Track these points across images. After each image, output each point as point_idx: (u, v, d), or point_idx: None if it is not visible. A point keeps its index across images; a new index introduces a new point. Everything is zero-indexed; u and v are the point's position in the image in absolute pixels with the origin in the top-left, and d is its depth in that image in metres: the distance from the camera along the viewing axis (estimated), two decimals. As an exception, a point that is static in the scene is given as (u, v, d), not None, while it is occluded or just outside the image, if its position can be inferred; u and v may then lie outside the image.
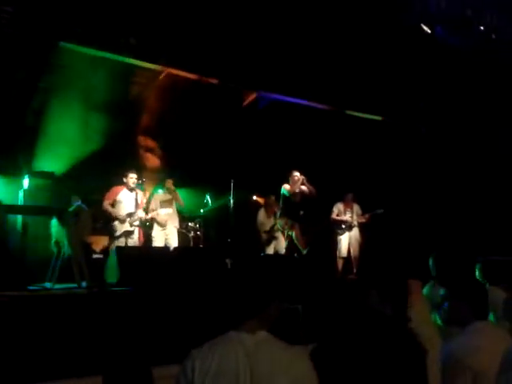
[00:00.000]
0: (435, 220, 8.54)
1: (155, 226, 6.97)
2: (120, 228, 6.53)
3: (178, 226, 7.20)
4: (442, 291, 3.16)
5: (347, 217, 7.95)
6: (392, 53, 7.99)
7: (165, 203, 7.06)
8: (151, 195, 7.14)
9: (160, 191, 7.18)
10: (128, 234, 6.55)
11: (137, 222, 6.61)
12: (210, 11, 6.74)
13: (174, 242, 6.96)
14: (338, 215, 8.00)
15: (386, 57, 8.06)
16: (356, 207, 8.06)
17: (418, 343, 0.92)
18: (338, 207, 8.05)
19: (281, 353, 1.72)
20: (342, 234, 7.92)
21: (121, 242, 6.49)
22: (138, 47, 7.08)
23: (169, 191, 7.13)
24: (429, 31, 7.75)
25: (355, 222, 7.91)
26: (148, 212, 6.85)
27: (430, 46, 7.83)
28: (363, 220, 7.97)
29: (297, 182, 7.40)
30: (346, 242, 7.87)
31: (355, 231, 7.92)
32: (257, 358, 1.67)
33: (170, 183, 7.15)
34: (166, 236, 6.95)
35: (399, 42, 7.82)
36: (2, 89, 6.85)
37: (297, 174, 7.47)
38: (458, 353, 2.25)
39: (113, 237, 6.54)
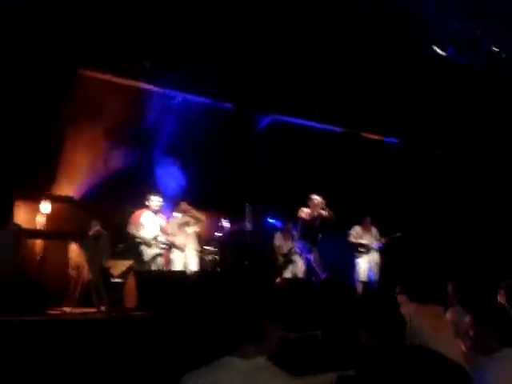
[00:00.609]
0: (453, 243, 8.45)
1: (175, 249, 6.97)
2: (148, 252, 6.52)
3: (197, 249, 7.20)
4: (466, 318, 3.13)
5: (366, 240, 7.91)
6: (405, 74, 8.02)
7: (182, 226, 7.07)
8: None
9: (175, 215, 7.21)
10: (155, 257, 6.54)
11: (163, 246, 6.61)
12: (220, 35, 6.84)
13: (193, 265, 6.96)
14: (355, 238, 7.96)
15: (400, 79, 8.09)
16: (374, 230, 8.02)
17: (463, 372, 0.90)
18: (356, 230, 8.01)
19: (278, 382, 1.67)
20: (360, 257, 7.86)
21: (147, 267, 6.48)
22: (153, 72, 7.20)
23: (184, 213, 7.14)
24: (442, 53, 7.78)
25: (375, 245, 7.86)
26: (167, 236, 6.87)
27: (443, 66, 7.86)
28: (383, 242, 7.91)
29: (316, 206, 7.37)
30: (365, 265, 7.80)
31: (374, 254, 7.86)
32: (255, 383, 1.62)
33: (184, 205, 7.15)
34: (186, 259, 6.94)
35: (411, 64, 7.86)
36: (22, 116, 6.99)
37: (316, 197, 7.42)
38: (491, 381, 2.20)
39: (140, 261, 6.49)
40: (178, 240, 6.89)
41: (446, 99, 8.54)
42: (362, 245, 7.86)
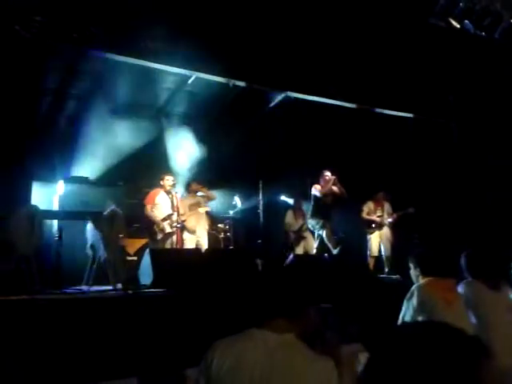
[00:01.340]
0: (467, 218, 8.37)
1: (185, 231, 7.04)
2: (162, 231, 6.60)
3: (207, 228, 7.26)
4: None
5: (377, 216, 7.89)
6: (420, 48, 7.87)
7: (193, 206, 7.11)
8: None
9: (185, 195, 7.24)
10: (168, 236, 6.62)
11: (175, 224, 6.66)
12: (232, 14, 6.77)
13: (204, 244, 7.03)
14: (368, 214, 7.94)
15: (414, 53, 7.95)
16: (387, 206, 7.99)
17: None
18: (369, 206, 7.99)
19: (303, 359, 1.67)
20: (372, 233, 7.86)
21: (161, 245, 6.56)
22: (165, 53, 7.17)
23: (195, 193, 7.17)
24: (458, 26, 7.61)
25: (386, 221, 7.84)
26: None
27: (459, 40, 7.69)
28: (394, 218, 7.89)
29: (328, 182, 7.38)
30: (377, 240, 7.80)
31: (386, 230, 7.84)
32: (276, 359, 1.63)
33: (195, 185, 7.20)
34: (198, 238, 7.01)
35: (427, 38, 7.70)
36: (36, 96, 7.03)
37: (328, 173, 7.45)
38: None
39: (154, 240, 6.60)
40: (189, 223, 6.94)
41: (462, 72, 8.38)
42: (373, 221, 7.85)
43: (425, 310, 2.96)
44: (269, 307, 1.77)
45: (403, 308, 3.13)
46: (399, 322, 3.08)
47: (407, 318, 3.02)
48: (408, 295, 3.12)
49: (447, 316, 2.69)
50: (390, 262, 7.65)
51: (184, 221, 6.90)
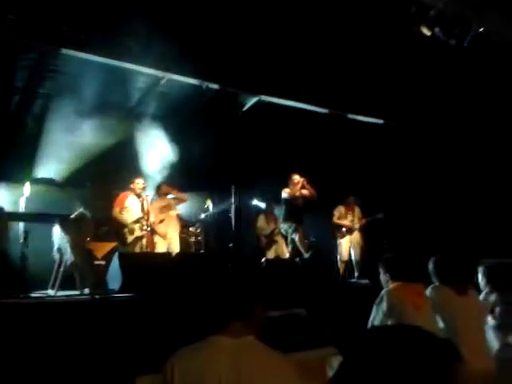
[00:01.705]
0: (436, 223, 8.52)
1: (156, 234, 6.96)
2: (130, 235, 6.51)
3: (179, 232, 7.18)
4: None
5: (348, 220, 7.95)
6: (391, 55, 7.98)
7: (164, 209, 7.02)
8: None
9: (155, 198, 7.15)
10: (138, 240, 6.53)
11: (145, 227, 6.58)
12: (207, 15, 6.74)
13: (176, 248, 6.95)
14: (339, 218, 7.99)
15: (386, 59, 8.05)
16: (357, 210, 8.06)
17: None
18: (340, 210, 8.05)
19: (266, 359, 1.67)
20: (342, 238, 7.91)
21: (130, 249, 6.48)
22: (137, 52, 7.09)
23: (165, 195, 7.09)
24: (428, 33, 7.75)
25: (356, 226, 7.90)
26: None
27: (429, 47, 7.82)
28: (363, 223, 7.96)
29: (296, 185, 7.41)
30: (347, 245, 7.85)
31: (356, 235, 7.91)
32: (240, 364, 1.62)
33: (165, 187, 7.11)
34: (169, 241, 6.93)
35: (398, 44, 7.81)
36: (2, 95, 6.86)
37: (296, 176, 7.48)
38: None
39: (123, 243, 6.51)
40: (160, 227, 6.88)
41: (432, 79, 8.53)
42: (344, 225, 7.90)
43: (394, 315, 2.99)
44: (223, 311, 1.75)
45: (373, 312, 3.15)
46: (369, 326, 3.09)
47: (376, 322, 3.04)
48: (377, 300, 3.14)
49: (416, 320, 2.72)
50: (360, 267, 7.71)
51: (153, 223, 6.81)
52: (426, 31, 7.70)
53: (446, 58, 7.86)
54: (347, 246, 7.84)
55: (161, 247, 6.87)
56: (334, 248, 7.97)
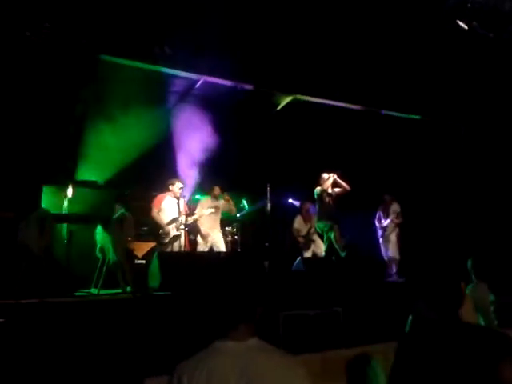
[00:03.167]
0: (474, 221, 8.34)
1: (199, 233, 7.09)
2: (167, 234, 6.62)
3: (220, 231, 7.30)
4: (492, 296, 3.17)
5: (386, 220, 7.88)
6: (429, 50, 7.85)
7: (212, 209, 7.12)
8: (196, 201, 7.26)
9: (206, 198, 7.26)
10: (175, 239, 6.64)
11: (182, 227, 6.68)
12: (240, 17, 6.80)
13: (221, 247, 7.07)
14: (379, 222, 7.97)
15: (423, 55, 7.92)
16: (394, 207, 7.95)
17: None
18: (379, 213, 8.03)
19: (275, 361, 1.65)
20: (381, 236, 7.86)
21: (168, 248, 6.59)
22: (173, 56, 7.22)
23: (216, 198, 7.20)
24: (465, 27, 7.58)
25: (392, 224, 7.81)
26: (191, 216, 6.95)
27: (468, 41, 7.65)
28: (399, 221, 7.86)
29: (326, 182, 7.39)
30: (383, 243, 7.79)
31: (392, 233, 7.81)
32: (250, 367, 1.59)
33: (217, 190, 7.22)
34: (213, 241, 7.06)
35: (435, 39, 7.67)
36: (46, 101, 7.10)
37: (325, 174, 7.47)
38: None
39: (160, 243, 6.63)
40: (203, 225, 7.01)
41: (472, 75, 8.34)
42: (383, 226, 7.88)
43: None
44: (229, 315, 1.70)
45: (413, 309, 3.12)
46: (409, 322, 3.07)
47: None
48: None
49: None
50: (398, 265, 7.65)
51: (197, 221, 6.94)
52: (463, 25, 7.55)
53: (483, 52, 7.67)
54: (383, 245, 7.78)
55: (202, 247, 6.99)
56: (374, 247, 7.91)
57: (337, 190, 7.46)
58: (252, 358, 1.62)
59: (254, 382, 1.58)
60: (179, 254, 6.43)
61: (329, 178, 7.41)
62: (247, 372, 1.58)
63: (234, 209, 7.44)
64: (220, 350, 1.65)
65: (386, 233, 7.82)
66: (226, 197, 7.27)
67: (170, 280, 5.37)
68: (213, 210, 7.07)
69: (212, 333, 1.71)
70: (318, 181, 7.58)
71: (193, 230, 7.23)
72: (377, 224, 7.97)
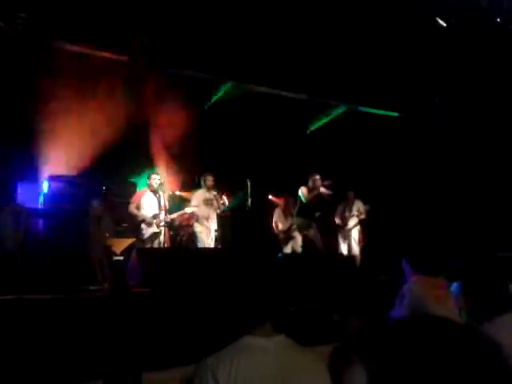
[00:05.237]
0: (448, 217, 8.46)
1: (197, 223, 6.95)
2: (147, 230, 6.52)
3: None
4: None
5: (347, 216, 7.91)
6: (406, 48, 7.91)
7: (208, 202, 7.00)
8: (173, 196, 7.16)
9: (201, 190, 7.09)
10: (154, 236, 6.54)
11: (163, 223, 6.59)
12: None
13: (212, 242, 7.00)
14: (341, 215, 7.99)
15: (401, 52, 7.99)
16: (358, 205, 7.98)
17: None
18: (340, 209, 8.04)
19: (304, 356, 1.68)
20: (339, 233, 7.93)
21: (148, 245, 6.50)
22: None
23: (208, 190, 7.03)
24: (444, 25, 7.67)
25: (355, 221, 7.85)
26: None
27: (445, 39, 7.74)
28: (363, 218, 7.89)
29: (317, 186, 7.35)
30: (344, 240, 7.85)
31: (355, 229, 7.87)
32: (284, 363, 1.61)
33: (209, 181, 7.01)
34: (209, 233, 6.97)
35: (413, 37, 7.74)
36: (15, 97, 6.91)
37: (317, 177, 7.37)
38: None
39: (140, 239, 6.52)
40: (202, 221, 6.89)
41: (448, 72, 8.45)
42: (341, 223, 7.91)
43: (417, 308, 2.97)
44: (262, 312, 1.70)
45: (395, 306, 3.13)
46: (391, 319, 3.08)
47: (400, 316, 3.03)
48: (400, 293, 3.13)
49: (439, 313, 2.70)
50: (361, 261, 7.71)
51: (195, 214, 6.86)
52: (442, 22, 7.64)
53: (459, 50, 7.76)
54: (346, 242, 7.82)
55: (203, 238, 6.88)
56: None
57: (323, 191, 7.39)
58: (285, 355, 1.62)
59: (290, 378, 1.58)
60: (159, 250, 6.37)
61: (319, 183, 7.30)
62: (281, 368, 1.59)
63: (224, 200, 7.25)
64: (252, 345, 1.63)
65: (347, 229, 7.82)
66: (212, 183, 7.05)
67: (149, 277, 5.31)
68: (194, 209, 6.93)
69: (236, 329, 1.68)
70: (302, 176, 7.51)
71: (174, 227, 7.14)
72: (338, 221, 7.92)
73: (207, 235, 6.92)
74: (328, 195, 7.35)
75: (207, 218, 6.96)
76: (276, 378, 1.57)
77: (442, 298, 2.93)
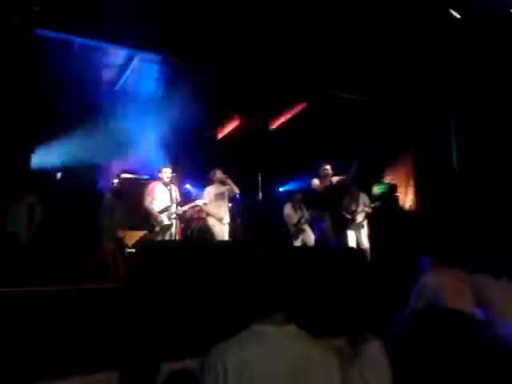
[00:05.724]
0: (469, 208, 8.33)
1: (212, 218, 6.93)
2: (159, 223, 6.50)
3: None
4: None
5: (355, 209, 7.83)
6: (420, 39, 7.80)
7: (219, 196, 6.96)
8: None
9: (211, 186, 7.03)
10: (166, 228, 6.52)
11: (174, 216, 6.58)
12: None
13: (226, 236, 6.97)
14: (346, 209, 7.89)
15: (415, 44, 7.88)
16: (364, 198, 7.91)
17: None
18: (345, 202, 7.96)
19: (314, 347, 1.69)
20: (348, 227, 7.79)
21: (159, 237, 6.47)
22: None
23: (221, 183, 6.98)
24: (458, 16, 7.56)
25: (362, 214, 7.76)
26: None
27: (459, 30, 7.62)
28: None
29: (327, 176, 7.31)
30: (354, 234, 7.73)
31: (363, 222, 7.77)
32: (293, 352, 1.62)
33: (219, 173, 6.96)
34: (222, 229, 6.92)
35: (427, 29, 7.63)
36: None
37: (327, 167, 7.34)
38: None
39: (152, 232, 6.50)
40: (214, 210, 6.86)
41: (461, 63, 8.32)
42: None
43: (434, 299, 2.94)
44: (273, 303, 1.73)
45: (412, 296, 3.11)
46: (409, 309, 3.06)
47: (416, 306, 3.01)
48: (418, 284, 3.10)
49: (456, 305, 2.67)
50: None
51: (206, 208, 6.84)
52: (456, 14, 7.53)
53: (472, 41, 7.64)
54: (354, 236, 7.65)
55: (219, 232, 6.87)
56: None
57: (335, 179, 7.33)
58: (296, 344, 1.64)
59: (298, 367, 1.58)
60: (168, 243, 6.35)
61: (329, 173, 7.23)
62: (292, 358, 1.59)
63: (236, 189, 7.09)
64: (263, 333, 1.65)
65: (356, 222, 7.75)
66: (223, 176, 6.97)
67: (158, 270, 5.31)
68: (206, 201, 6.92)
69: (248, 317, 1.70)
70: (313, 168, 7.45)
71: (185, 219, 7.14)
72: (346, 214, 7.83)
73: (220, 229, 6.90)
74: (343, 181, 7.26)
75: (219, 213, 6.94)
76: (284, 366, 1.58)
77: (460, 291, 2.88)
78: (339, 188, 7.32)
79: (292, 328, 1.69)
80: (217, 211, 6.88)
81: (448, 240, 3.40)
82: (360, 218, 7.61)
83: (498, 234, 6.72)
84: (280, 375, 1.57)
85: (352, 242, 7.61)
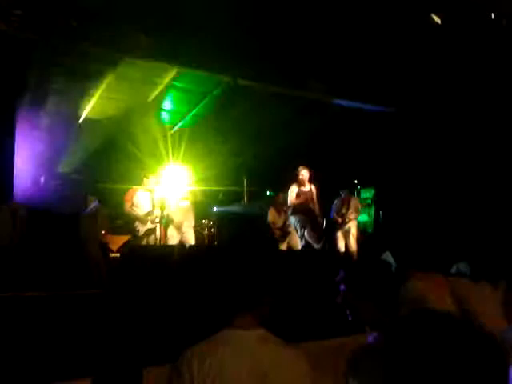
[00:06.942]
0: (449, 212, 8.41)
1: (171, 226, 6.93)
2: (142, 228, 6.54)
3: (193, 224, 7.23)
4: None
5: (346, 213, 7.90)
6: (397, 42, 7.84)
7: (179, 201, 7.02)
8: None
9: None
10: (150, 233, 6.56)
11: (157, 220, 6.58)
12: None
13: (190, 240, 6.99)
14: (336, 212, 7.95)
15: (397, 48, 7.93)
16: (355, 202, 8.00)
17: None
18: (336, 205, 8.02)
19: (282, 351, 1.68)
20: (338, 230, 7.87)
21: (143, 242, 6.50)
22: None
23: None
24: (439, 21, 7.64)
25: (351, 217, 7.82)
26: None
27: (439, 35, 7.68)
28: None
29: (305, 181, 7.35)
30: (342, 237, 7.80)
31: (353, 226, 7.84)
32: (260, 356, 1.61)
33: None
34: (182, 234, 7.00)
35: (409, 33, 7.68)
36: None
37: (304, 171, 7.31)
38: None
39: (135, 237, 6.54)
40: (176, 218, 6.88)
41: (442, 68, 8.39)
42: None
43: (416, 305, 2.96)
44: (235, 304, 1.74)
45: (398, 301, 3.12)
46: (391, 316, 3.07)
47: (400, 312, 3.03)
48: (401, 290, 3.12)
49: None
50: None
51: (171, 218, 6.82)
52: (437, 19, 7.61)
53: (451, 46, 7.69)
54: (343, 238, 7.74)
55: (174, 240, 6.92)
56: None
57: (313, 187, 7.37)
58: (264, 349, 1.63)
59: (264, 370, 1.59)
60: (151, 248, 6.34)
61: (307, 178, 7.28)
62: (258, 361, 1.60)
63: (196, 194, 7.21)
64: (230, 338, 1.65)
65: (346, 226, 7.80)
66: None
67: (139, 274, 5.30)
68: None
69: (216, 321, 1.71)
70: (295, 175, 7.45)
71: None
72: (336, 218, 7.88)
73: (177, 237, 6.86)
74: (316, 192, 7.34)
75: (180, 222, 6.91)
76: (252, 371, 1.57)
77: (442, 296, 2.88)
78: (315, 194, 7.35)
79: (261, 332, 1.68)
80: (178, 218, 6.88)
81: (419, 246, 3.43)
82: (351, 221, 7.70)
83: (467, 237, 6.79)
84: (247, 380, 1.57)
85: (341, 245, 7.68)
